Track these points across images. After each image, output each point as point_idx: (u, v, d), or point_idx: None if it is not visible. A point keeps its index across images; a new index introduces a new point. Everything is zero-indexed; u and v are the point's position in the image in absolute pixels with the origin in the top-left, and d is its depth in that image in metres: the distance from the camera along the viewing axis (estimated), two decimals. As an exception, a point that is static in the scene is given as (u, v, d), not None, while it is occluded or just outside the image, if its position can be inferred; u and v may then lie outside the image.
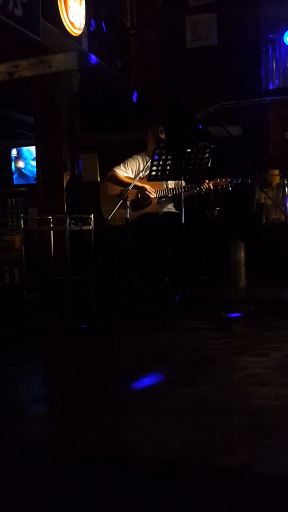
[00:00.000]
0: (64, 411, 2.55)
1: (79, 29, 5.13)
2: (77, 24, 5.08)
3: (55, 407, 2.67)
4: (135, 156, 4.84)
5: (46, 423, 2.41)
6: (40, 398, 2.74)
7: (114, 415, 2.38)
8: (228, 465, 1.83)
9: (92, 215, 4.68)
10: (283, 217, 6.32)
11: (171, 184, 4.71)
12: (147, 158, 4.67)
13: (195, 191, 4.54)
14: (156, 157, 4.02)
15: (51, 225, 4.71)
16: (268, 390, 2.57)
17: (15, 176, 7.93)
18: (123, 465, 1.95)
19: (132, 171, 4.75)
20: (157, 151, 4.02)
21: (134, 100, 6.18)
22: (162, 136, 4.73)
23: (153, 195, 4.60)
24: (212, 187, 4.54)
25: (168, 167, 4.10)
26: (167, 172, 4.14)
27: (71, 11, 4.96)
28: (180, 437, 2.08)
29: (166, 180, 4.51)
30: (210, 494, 1.81)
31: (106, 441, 2.08)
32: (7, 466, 2.10)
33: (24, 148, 7.81)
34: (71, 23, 4.98)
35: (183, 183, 4.28)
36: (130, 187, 4.25)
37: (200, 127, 7.10)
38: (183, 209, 4.11)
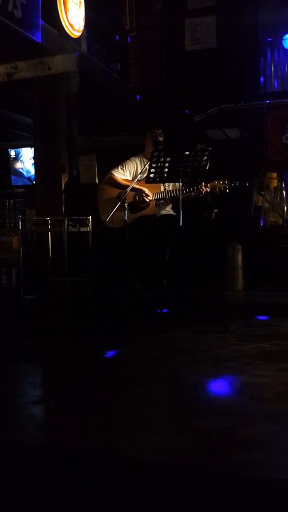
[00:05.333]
0: (61, 413, 2.55)
1: (78, 31, 5.14)
2: (76, 26, 5.09)
3: (52, 409, 2.67)
4: (133, 158, 4.84)
5: (43, 425, 2.40)
6: (37, 400, 2.73)
7: (111, 417, 2.38)
8: (224, 467, 1.83)
9: (90, 216, 4.68)
10: (281, 220, 6.33)
11: (169, 186, 4.71)
12: (145, 160, 4.68)
13: (193, 193, 4.55)
14: (154, 160, 4.03)
15: (49, 227, 4.70)
16: (269, 393, 2.57)
17: (13, 177, 7.92)
18: (120, 467, 1.95)
19: (130, 173, 4.75)
20: (156, 154, 4.03)
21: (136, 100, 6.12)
22: (161, 139, 4.73)
23: (149, 199, 4.61)
24: (209, 190, 4.55)
25: (166, 170, 4.11)
26: (165, 175, 4.15)
27: (70, 13, 4.96)
28: (177, 440, 2.08)
29: (164, 183, 4.51)
30: (206, 497, 1.81)
31: (103, 444, 2.08)
32: (3, 468, 2.10)
33: (23, 149, 7.81)
34: (71, 25, 4.98)
35: (181, 185, 4.28)
36: (128, 190, 4.26)
37: (198, 129, 7.11)
38: (181, 212, 4.11)
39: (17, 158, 7.87)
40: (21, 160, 7.87)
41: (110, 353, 3.59)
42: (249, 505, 1.75)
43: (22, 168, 7.90)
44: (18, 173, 7.92)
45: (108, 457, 1.98)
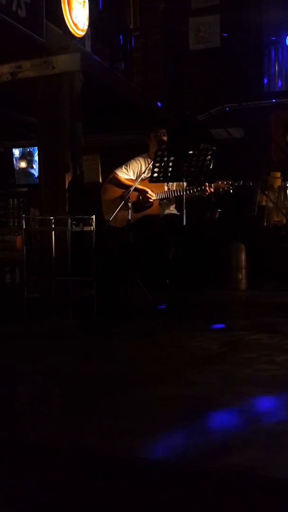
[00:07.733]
0: (64, 412, 2.55)
1: (82, 30, 5.14)
2: (80, 25, 5.09)
3: (55, 408, 2.67)
4: (137, 157, 4.85)
5: (46, 424, 2.41)
6: (40, 398, 2.74)
7: (114, 416, 2.38)
8: (228, 467, 1.83)
9: (94, 216, 4.68)
10: (284, 220, 6.32)
11: (172, 186, 4.71)
12: (149, 160, 4.68)
13: (197, 194, 4.54)
14: (158, 159, 4.03)
15: (53, 226, 4.71)
16: (271, 392, 2.57)
17: (16, 176, 7.93)
18: (122, 466, 1.95)
19: (134, 173, 4.75)
20: (159, 153, 4.03)
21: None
22: (165, 138, 4.73)
23: (153, 199, 4.61)
24: (213, 191, 4.54)
25: (170, 169, 4.11)
26: (169, 174, 4.15)
27: (74, 12, 4.96)
28: (182, 439, 2.08)
29: (168, 182, 4.51)
30: (210, 496, 1.81)
31: (106, 443, 2.08)
32: (6, 467, 2.10)
33: (26, 149, 7.82)
34: (75, 24, 4.99)
35: (185, 185, 4.29)
36: (131, 189, 4.26)
37: (202, 129, 7.10)
38: (184, 211, 4.11)
39: (20, 157, 7.87)
40: (24, 160, 7.86)
41: (113, 353, 3.59)
42: (250, 505, 1.75)
43: (25, 168, 7.90)
44: (22, 173, 7.92)
45: (111, 456, 1.98)
